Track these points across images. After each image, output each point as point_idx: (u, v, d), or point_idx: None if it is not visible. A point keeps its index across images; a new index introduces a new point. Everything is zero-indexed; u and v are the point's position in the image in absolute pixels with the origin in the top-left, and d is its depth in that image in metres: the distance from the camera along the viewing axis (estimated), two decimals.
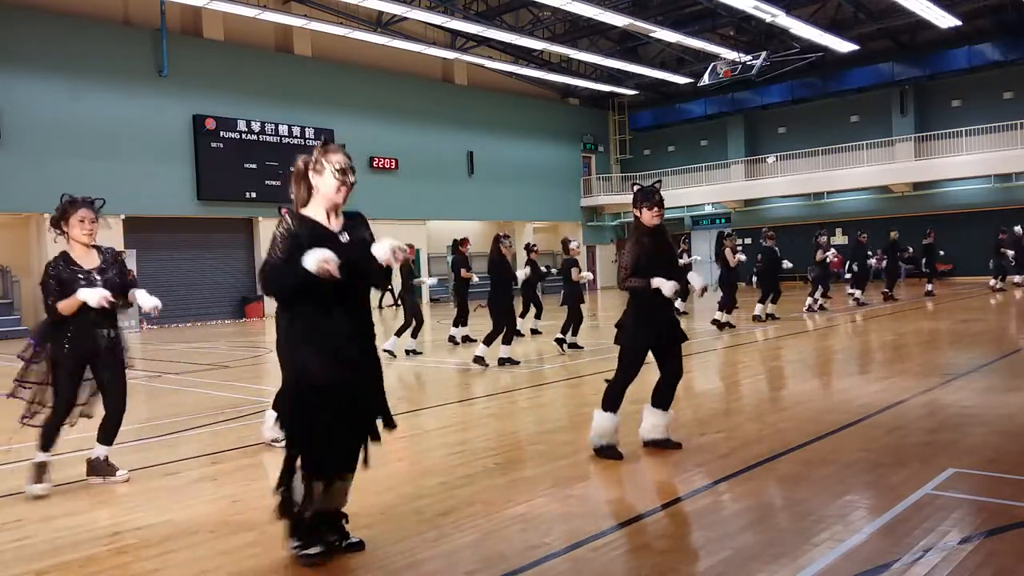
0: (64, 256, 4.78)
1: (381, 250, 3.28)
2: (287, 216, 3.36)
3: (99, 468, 4.93)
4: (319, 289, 3.23)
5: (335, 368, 3.30)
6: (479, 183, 30.27)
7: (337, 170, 3.36)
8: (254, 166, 23.56)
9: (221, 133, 22.94)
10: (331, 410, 3.31)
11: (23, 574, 3.45)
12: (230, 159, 23.07)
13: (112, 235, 19.16)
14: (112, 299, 4.65)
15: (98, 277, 4.75)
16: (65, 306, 4.63)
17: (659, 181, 5.52)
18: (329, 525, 3.49)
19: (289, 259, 3.19)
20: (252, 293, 23.95)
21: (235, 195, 23.28)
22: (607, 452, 4.98)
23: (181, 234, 22.87)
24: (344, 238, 3.38)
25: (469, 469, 4.75)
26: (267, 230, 23.10)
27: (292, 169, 3.48)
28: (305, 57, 25.53)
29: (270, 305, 5.99)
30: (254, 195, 23.51)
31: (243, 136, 23.44)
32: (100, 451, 4.93)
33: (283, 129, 24.30)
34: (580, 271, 11.43)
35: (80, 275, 4.71)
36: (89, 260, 4.80)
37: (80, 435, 5.35)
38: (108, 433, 4.91)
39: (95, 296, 4.57)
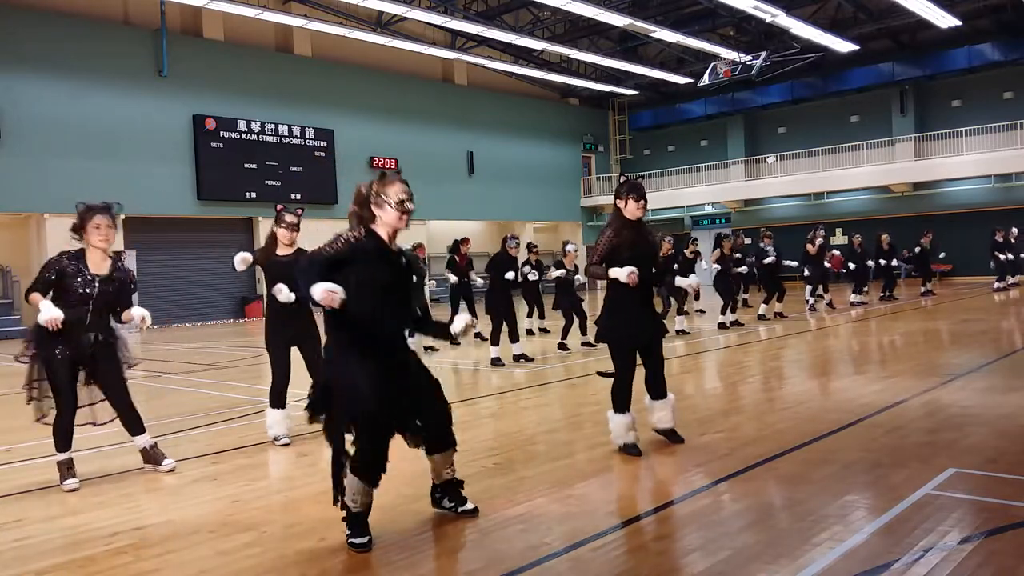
0: (80, 254, 4.88)
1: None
2: (361, 227, 3.56)
3: (149, 456, 5.17)
4: (367, 305, 3.46)
5: (372, 382, 3.45)
6: (479, 183, 30.27)
7: (397, 203, 3.57)
8: (254, 166, 23.58)
9: (221, 133, 22.95)
10: (368, 418, 3.47)
11: (23, 574, 3.45)
12: (230, 159, 23.08)
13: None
14: (60, 325, 4.63)
15: (97, 285, 4.85)
16: (32, 300, 4.77)
17: (642, 177, 5.57)
18: (446, 492, 3.92)
19: (329, 261, 3.39)
20: (252, 293, 23.95)
21: (235, 195, 23.29)
22: (628, 449, 5.03)
23: (181, 234, 22.86)
24: (403, 262, 3.65)
25: (469, 469, 4.75)
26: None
27: (354, 195, 3.65)
28: (305, 57, 25.53)
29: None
30: (254, 195, 23.52)
31: (243, 136, 23.45)
32: (141, 441, 5.15)
33: (283, 129, 24.31)
34: (564, 272, 11.59)
35: (85, 276, 4.80)
36: (100, 267, 4.90)
37: (82, 436, 5.33)
38: (132, 426, 5.11)
39: (47, 315, 4.60)
